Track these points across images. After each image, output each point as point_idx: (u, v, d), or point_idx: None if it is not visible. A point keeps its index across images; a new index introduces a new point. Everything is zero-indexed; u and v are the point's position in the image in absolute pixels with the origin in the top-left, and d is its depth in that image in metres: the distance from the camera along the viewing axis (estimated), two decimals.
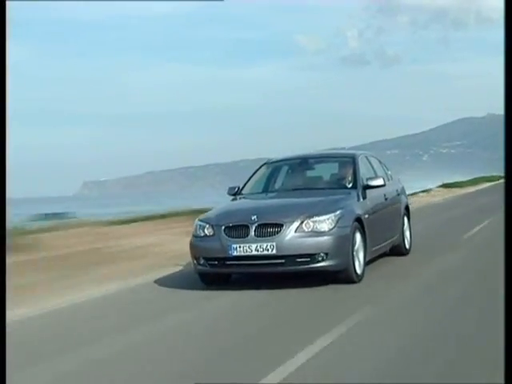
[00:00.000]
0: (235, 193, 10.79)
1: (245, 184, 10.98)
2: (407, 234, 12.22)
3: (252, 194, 10.77)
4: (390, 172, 12.28)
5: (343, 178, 10.60)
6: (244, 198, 10.60)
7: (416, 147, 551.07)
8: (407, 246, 12.12)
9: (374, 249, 10.13)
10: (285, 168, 11.32)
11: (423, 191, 42.84)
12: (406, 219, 12.21)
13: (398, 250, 11.72)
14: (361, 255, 9.45)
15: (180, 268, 11.36)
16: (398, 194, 12.06)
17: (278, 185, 11.04)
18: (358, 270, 9.29)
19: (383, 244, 10.72)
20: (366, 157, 11.42)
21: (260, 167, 11.39)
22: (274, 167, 11.33)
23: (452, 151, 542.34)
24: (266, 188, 10.96)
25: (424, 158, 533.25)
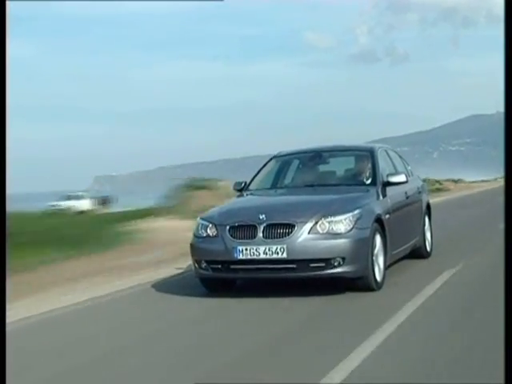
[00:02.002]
0: (241, 188, 9.82)
1: (252, 179, 10.00)
2: (428, 235, 11.22)
3: (260, 190, 9.80)
4: (410, 167, 11.28)
5: (361, 174, 9.59)
6: (251, 194, 9.62)
7: (426, 144, 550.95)
8: (428, 249, 11.13)
9: (394, 252, 9.14)
10: (296, 162, 10.29)
11: (494, 179, 63.66)
12: (426, 219, 11.23)
13: (418, 253, 10.73)
14: (381, 260, 8.46)
15: None
16: (420, 192, 11.05)
17: (288, 180, 10.03)
18: (378, 277, 8.30)
19: (404, 247, 9.74)
20: (386, 150, 10.41)
21: (269, 161, 10.36)
22: (284, 161, 10.30)
23: (461, 149, 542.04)
24: (276, 184, 9.96)
25: (434, 156, 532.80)
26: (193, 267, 8.67)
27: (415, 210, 10.57)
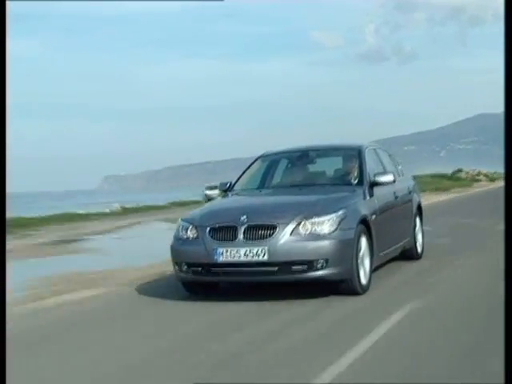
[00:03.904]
0: (226, 189, 9.60)
1: (237, 179, 9.78)
2: (419, 236, 10.98)
3: (245, 190, 9.57)
4: (400, 167, 11.04)
5: (348, 174, 9.35)
6: (236, 194, 9.41)
7: (433, 143, 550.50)
8: (419, 250, 10.89)
9: (381, 254, 8.92)
10: (283, 162, 10.07)
11: None
12: (418, 220, 10.98)
13: (408, 255, 10.50)
14: (366, 262, 8.23)
15: None
16: (410, 192, 10.81)
17: (274, 180, 9.79)
18: (363, 280, 8.07)
19: (392, 248, 9.51)
20: (374, 149, 10.16)
21: (255, 161, 10.14)
22: (271, 160, 10.07)
23: (468, 147, 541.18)
24: (262, 184, 9.73)
25: (441, 154, 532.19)
26: (173, 270, 8.46)
27: (405, 210, 10.34)
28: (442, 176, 62.90)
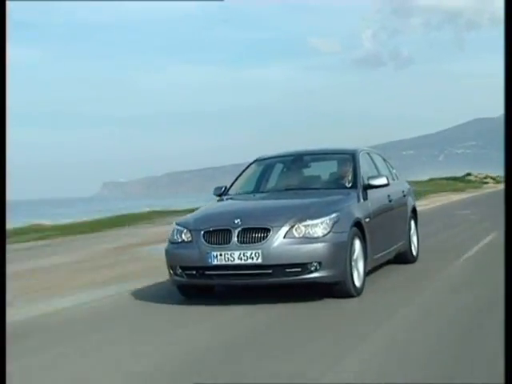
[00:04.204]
0: (221, 193, 9.66)
1: (232, 183, 9.84)
2: (414, 239, 11.05)
3: (239, 194, 9.62)
4: (395, 170, 11.10)
5: (342, 177, 9.40)
6: (231, 198, 9.45)
7: (432, 147, 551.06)
8: (414, 253, 10.95)
9: (375, 257, 8.97)
10: (277, 166, 10.13)
11: None
12: (412, 223, 11.05)
13: (403, 258, 10.56)
14: (360, 265, 8.29)
15: None
16: (404, 195, 10.85)
17: (269, 184, 9.82)
18: (357, 282, 8.12)
19: (387, 251, 9.56)
20: (368, 153, 10.22)
21: (250, 165, 10.19)
22: (266, 165, 10.13)
23: (467, 151, 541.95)
24: (256, 188, 9.76)
25: (440, 159, 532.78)
26: (168, 274, 8.51)
27: (399, 213, 10.38)
28: (455, 179, 70.83)
